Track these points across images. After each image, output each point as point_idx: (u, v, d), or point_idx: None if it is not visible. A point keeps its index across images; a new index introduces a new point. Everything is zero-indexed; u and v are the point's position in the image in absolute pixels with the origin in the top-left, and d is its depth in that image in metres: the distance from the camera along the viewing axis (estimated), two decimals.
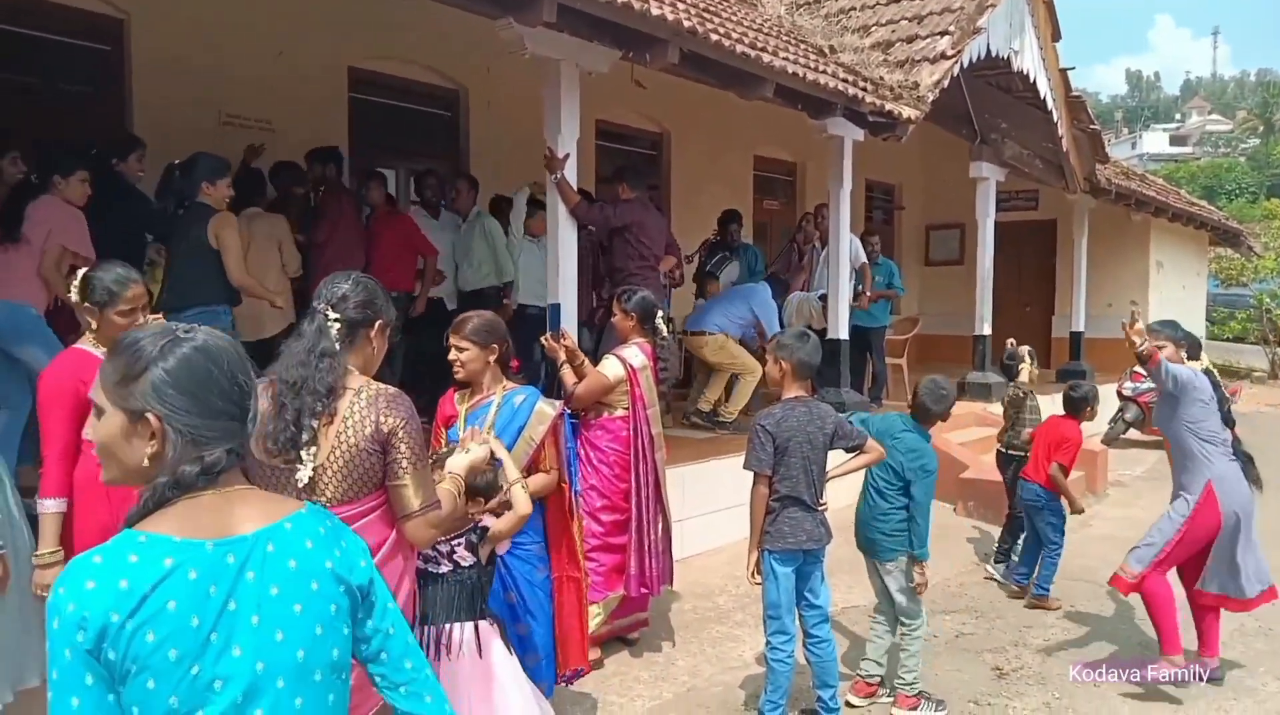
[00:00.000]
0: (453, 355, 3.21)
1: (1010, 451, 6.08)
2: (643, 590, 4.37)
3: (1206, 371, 4.37)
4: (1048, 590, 5.42)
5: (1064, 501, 5.47)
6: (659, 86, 8.45)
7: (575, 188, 5.62)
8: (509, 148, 7.81)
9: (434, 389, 6.41)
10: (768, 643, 3.67)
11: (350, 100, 7.53)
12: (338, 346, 2.22)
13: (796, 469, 3.58)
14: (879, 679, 4.19)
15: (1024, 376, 6.10)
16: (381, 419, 2.16)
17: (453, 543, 2.69)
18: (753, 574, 3.70)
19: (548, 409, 3.23)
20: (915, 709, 4.02)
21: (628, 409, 4.32)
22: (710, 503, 6.07)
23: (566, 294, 5.45)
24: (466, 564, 2.70)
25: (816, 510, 3.65)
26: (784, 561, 3.61)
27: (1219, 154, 64.26)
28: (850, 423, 3.84)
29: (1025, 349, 6.26)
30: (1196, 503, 4.14)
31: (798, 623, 3.71)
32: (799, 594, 3.70)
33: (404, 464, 2.17)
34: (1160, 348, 4.16)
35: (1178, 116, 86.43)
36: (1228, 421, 4.24)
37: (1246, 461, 4.23)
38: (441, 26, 6.98)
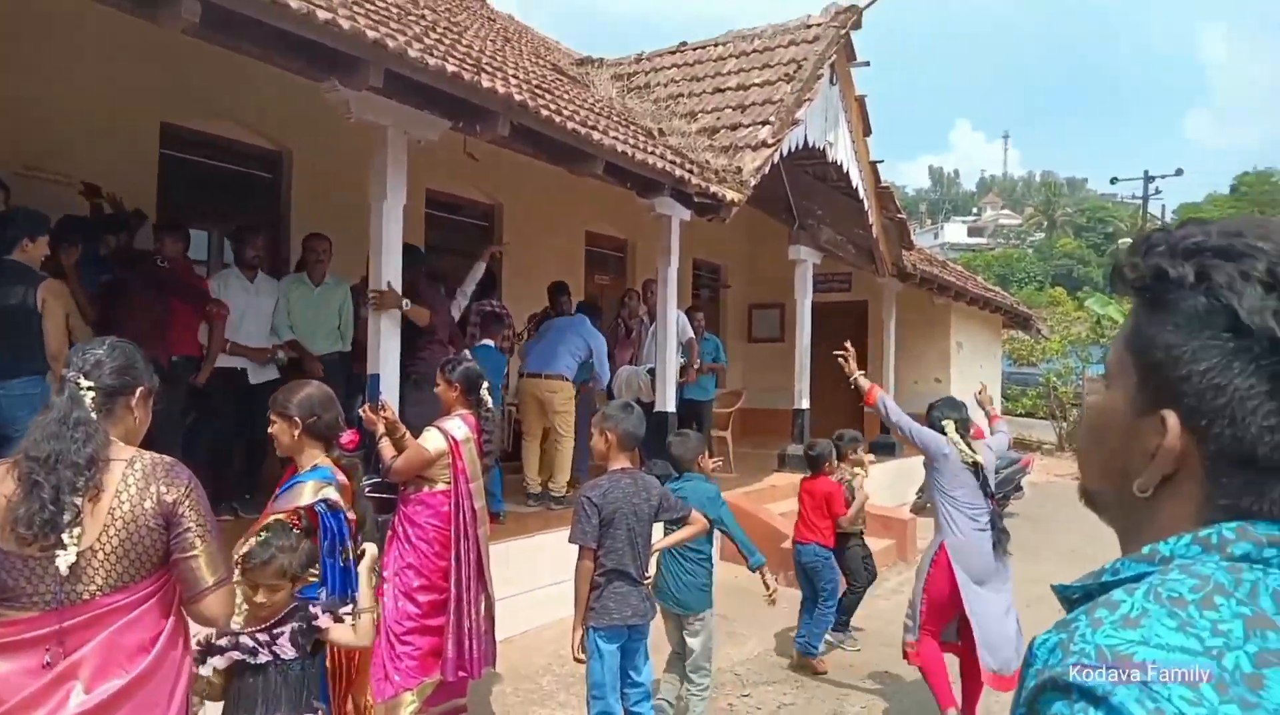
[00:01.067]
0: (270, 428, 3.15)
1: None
2: (461, 674, 4.14)
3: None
4: (818, 648, 5.55)
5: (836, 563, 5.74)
6: (492, 159, 8.47)
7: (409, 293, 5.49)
8: (334, 212, 7.58)
9: (226, 467, 6.03)
10: None
11: (162, 157, 7.14)
12: (94, 416, 2.03)
13: (622, 541, 3.55)
14: None
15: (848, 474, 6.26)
16: (163, 491, 1.99)
17: (274, 632, 2.48)
18: (577, 652, 3.62)
19: (304, 493, 2.97)
20: None
21: (449, 483, 4.13)
22: (535, 579, 5.94)
23: (387, 364, 5.28)
24: (288, 656, 2.48)
25: (642, 584, 3.63)
26: (609, 639, 3.55)
27: (1010, 245, 70.62)
28: (674, 495, 3.87)
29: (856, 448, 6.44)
30: (930, 564, 4.40)
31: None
32: (622, 672, 3.65)
33: (193, 535, 2.00)
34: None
35: (974, 210, 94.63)
36: (987, 494, 4.43)
37: (1000, 534, 4.40)
38: (263, 86, 6.76)
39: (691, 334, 8.83)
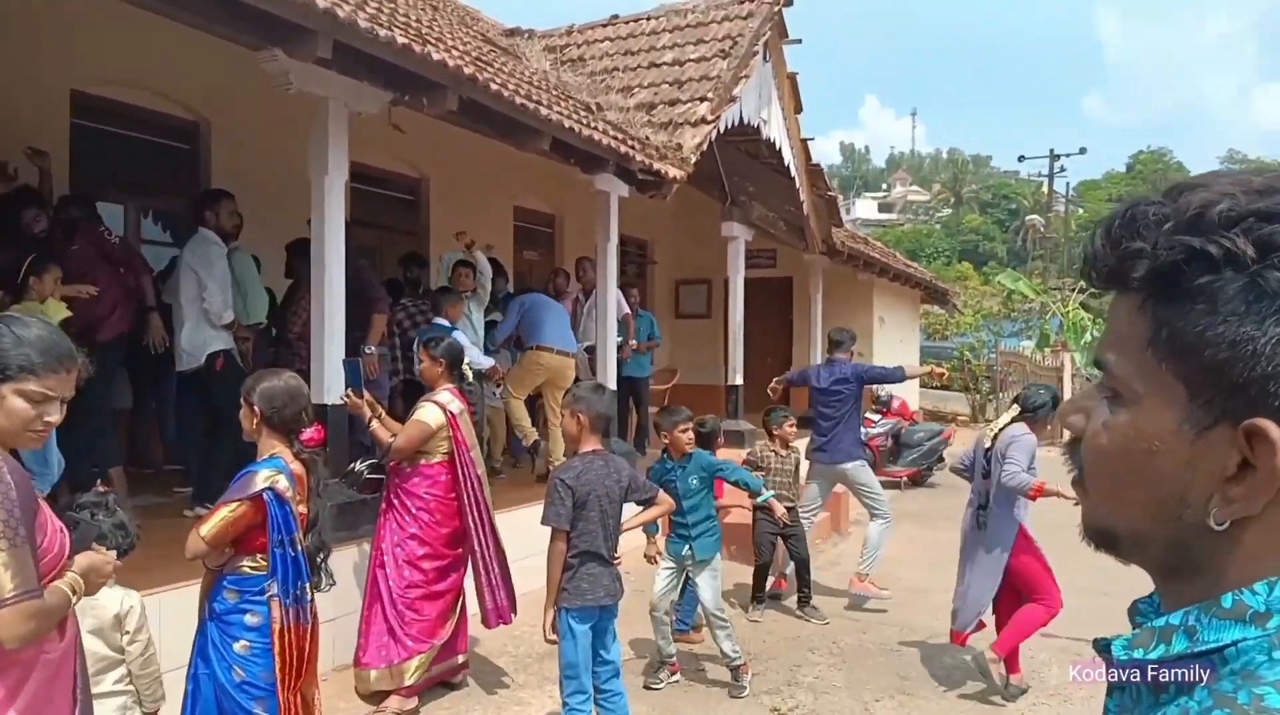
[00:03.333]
0: None
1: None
2: (500, 622, 4.50)
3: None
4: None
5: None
6: (418, 131, 8.27)
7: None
8: (258, 184, 7.29)
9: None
10: (565, 704, 3.58)
11: (73, 127, 6.77)
12: None
13: (594, 523, 3.55)
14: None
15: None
16: None
17: None
18: (549, 633, 3.60)
19: (255, 481, 2.89)
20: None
21: (446, 454, 4.33)
22: None
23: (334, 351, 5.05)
24: None
25: (612, 564, 3.63)
26: (582, 619, 3.55)
27: (919, 221, 72.33)
28: (641, 475, 3.88)
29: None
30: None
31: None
32: (592, 651, 3.65)
33: None
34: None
35: (884, 186, 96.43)
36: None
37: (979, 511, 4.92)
38: (182, 53, 6.45)
39: (628, 310, 8.82)
